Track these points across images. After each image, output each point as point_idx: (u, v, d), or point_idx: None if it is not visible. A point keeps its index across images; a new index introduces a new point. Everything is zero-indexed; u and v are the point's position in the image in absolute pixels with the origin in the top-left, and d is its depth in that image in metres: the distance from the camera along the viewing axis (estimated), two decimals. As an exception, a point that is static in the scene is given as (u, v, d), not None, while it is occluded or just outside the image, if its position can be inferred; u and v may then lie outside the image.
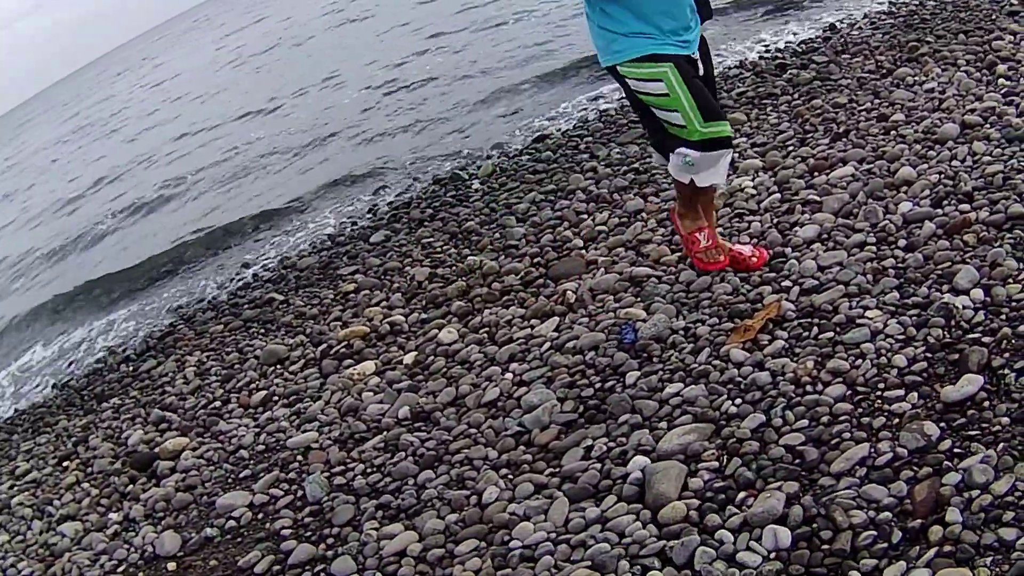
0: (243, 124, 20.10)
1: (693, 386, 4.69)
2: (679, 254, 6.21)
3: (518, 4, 20.04)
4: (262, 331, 7.90)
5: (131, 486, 6.15)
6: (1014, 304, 4.28)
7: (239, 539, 5.06)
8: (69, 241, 16.67)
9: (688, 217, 5.27)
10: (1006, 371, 3.87)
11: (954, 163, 6.00)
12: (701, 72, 4.79)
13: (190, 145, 20.14)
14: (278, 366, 7.03)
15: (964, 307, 4.39)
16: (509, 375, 5.51)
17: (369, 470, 5.15)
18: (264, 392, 6.67)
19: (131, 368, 8.46)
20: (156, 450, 6.37)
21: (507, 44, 16.74)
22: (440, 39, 20.73)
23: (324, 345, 6.99)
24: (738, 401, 4.46)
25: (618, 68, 4.71)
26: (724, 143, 4.83)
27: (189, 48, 57.53)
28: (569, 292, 6.20)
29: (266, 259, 10.42)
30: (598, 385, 5.04)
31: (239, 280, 9.93)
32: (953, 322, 4.34)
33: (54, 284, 13.95)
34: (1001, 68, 7.41)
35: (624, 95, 5.13)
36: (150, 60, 66.28)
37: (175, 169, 18.63)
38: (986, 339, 4.13)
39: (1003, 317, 4.23)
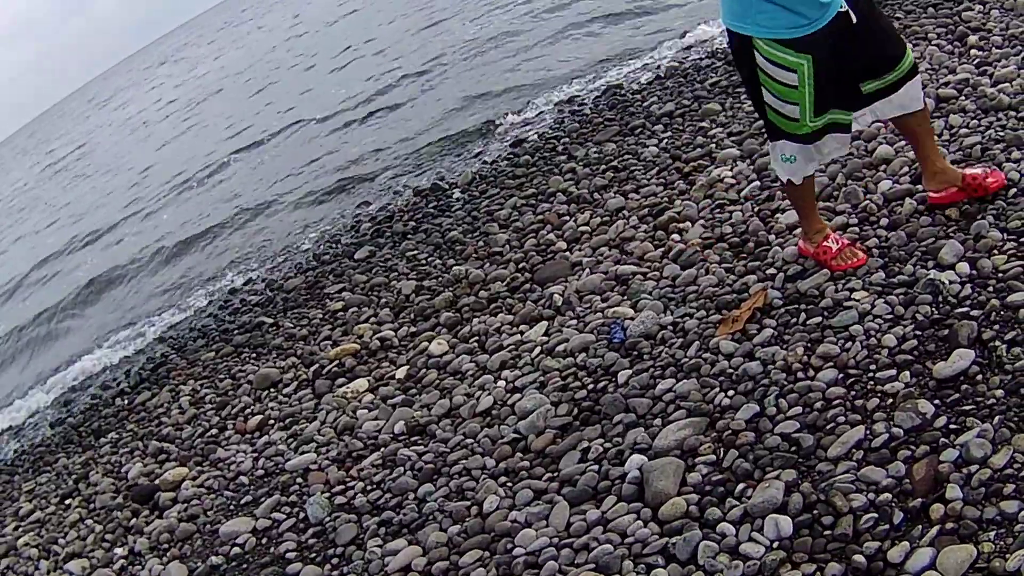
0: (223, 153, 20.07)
1: (685, 381, 4.69)
2: (662, 250, 6.22)
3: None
4: (254, 355, 7.88)
5: (134, 519, 6.15)
6: (1000, 275, 4.29)
7: (245, 565, 5.05)
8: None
9: (807, 227, 5.14)
10: (997, 343, 3.87)
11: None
12: (854, 20, 4.32)
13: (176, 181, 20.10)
14: (272, 389, 7.03)
15: (951, 282, 4.39)
16: (502, 383, 5.52)
17: (369, 487, 5.15)
18: (260, 416, 6.66)
19: (126, 401, 8.44)
20: (156, 482, 6.36)
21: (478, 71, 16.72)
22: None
23: (316, 365, 6.98)
24: (731, 392, 4.46)
25: (755, 41, 4.36)
26: (820, 134, 4.68)
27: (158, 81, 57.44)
28: (556, 296, 6.20)
29: (252, 283, 10.39)
30: (591, 386, 5.04)
31: (228, 306, 9.90)
32: (941, 298, 4.34)
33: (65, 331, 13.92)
34: (972, 39, 7.41)
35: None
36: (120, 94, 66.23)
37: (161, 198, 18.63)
38: (975, 312, 4.14)
39: (990, 289, 4.23)
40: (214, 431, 6.85)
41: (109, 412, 8.44)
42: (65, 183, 29.53)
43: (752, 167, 6.86)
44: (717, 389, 4.53)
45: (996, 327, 3.98)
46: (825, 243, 5.02)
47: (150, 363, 9.28)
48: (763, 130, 7.29)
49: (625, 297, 5.82)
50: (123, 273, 14.38)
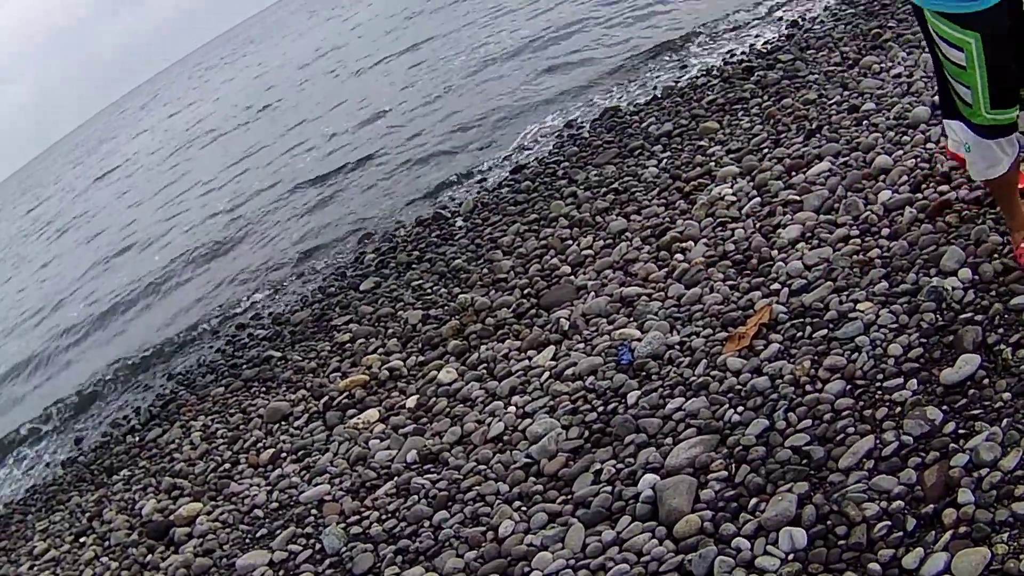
0: (207, 196, 20.18)
1: (694, 399, 4.76)
2: (666, 270, 6.29)
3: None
4: (263, 389, 7.94)
5: (150, 556, 6.19)
6: (1002, 279, 4.35)
7: None
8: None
9: (1011, 220, 4.53)
10: (1002, 347, 3.93)
11: (929, 145, 6.09)
12: None
13: (177, 222, 20.16)
14: (283, 422, 7.08)
15: (953, 288, 4.45)
16: (512, 408, 5.58)
17: (384, 516, 5.20)
18: (272, 450, 6.71)
19: (137, 439, 8.49)
20: (171, 517, 6.40)
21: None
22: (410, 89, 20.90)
23: (326, 397, 7.03)
24: (740, 409, 4.52)
25: (925, 12, 4.03)
26: (1004, 130, 4.19)
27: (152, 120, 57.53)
28: (563, 320, 6.26)
29: (259, 318, 10.44)
30: (600, 409, 5.10)
31: (235, 341, 9.95)
32: (944, 304, 4.40)
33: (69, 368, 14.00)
34: (966, 43, 7.50)
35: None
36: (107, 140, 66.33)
37: (167, 237, 18.71)
38: (979, 317, 4.20)
39: (993, 293, 4.30)
40: (227, 465, 6.89)
41: (120, 449, 8.48)
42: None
43: (752, 184, 6.94)
44: (726, 406, 4.59)
45: (1000, 331, 4.05)
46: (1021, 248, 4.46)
47: (160, 400, 9.34)
48: (760, 145, 7.45)
49: (631, 319, 5.88)
50: (122, 308, 14.47)
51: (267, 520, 5.83)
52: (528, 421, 5.33)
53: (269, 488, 6.20)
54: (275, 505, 5.95)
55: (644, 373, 5.22)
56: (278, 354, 8.56)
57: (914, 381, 4.06)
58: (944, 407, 3.82)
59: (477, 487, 5.00)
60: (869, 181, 6.05)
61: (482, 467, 5.17)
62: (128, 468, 7.90)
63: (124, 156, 42.86)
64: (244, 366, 8.79)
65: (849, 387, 4.25)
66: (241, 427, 7.39)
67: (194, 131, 33.42)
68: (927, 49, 4.49)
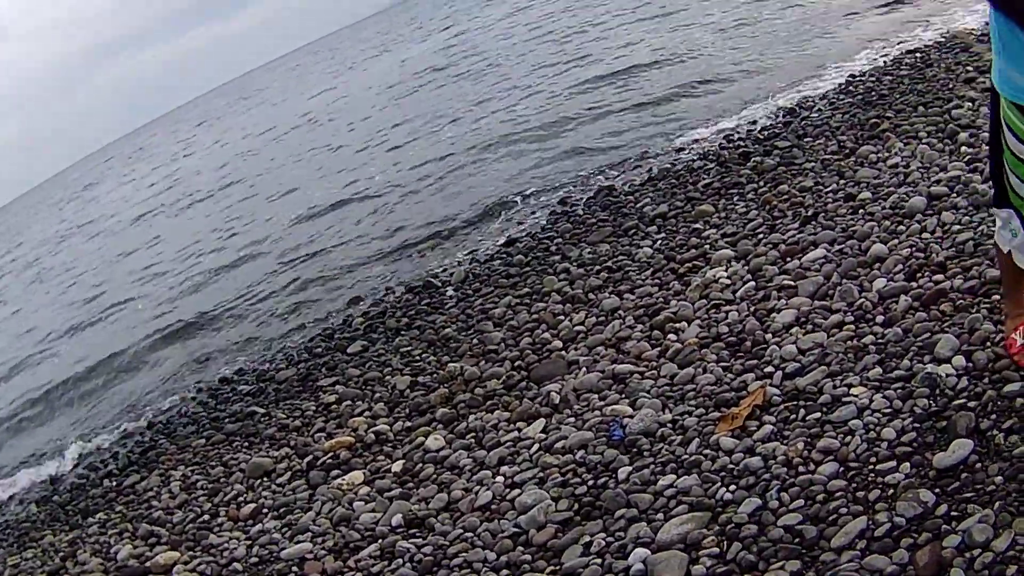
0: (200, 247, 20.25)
1: (686, 476, 4.82)
2: (659, 349, 6.38)
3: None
4: (246, 444, 7.93)
5: (123, 601, 6.17)
6: (996, 366, 4.47)
7: None
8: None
9: (1010, 306, 4.68)
10: (995, 432, 4.05)
11: (924, 235, 6.28)
12: None
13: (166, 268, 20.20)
14: (265, 479, 7.07)
15: (947, 375, 4.58)
16: (500, 478, 5.62)
17: None
18: (253, 505, 6.70)
19: (115, 483, 8.41)
20: (147, 564, 6.36)
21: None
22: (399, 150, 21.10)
23: (310, 456, 7.05)
24: (732, 487, 4.58)
25: (1001, 98, 3.97)
26: None
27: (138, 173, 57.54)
28: (553, 394, 6.34)
29: (243, 373, 10.44)
30: (591, 482, 5.15)
31: (218, 395, 9.94)
32: (938, 391, 4.52)
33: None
34: (963, 136, 7.76)
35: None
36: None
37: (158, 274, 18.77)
38: (972, 403, 4.31)
39: (986, 380, 4.42)
40: (206, 517, 6.86)
41: (97, 493, 8.41)
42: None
43: (747, 267, 7.08)
44: (719, 484, 4.65)
45: (993, 417, 4.16)
46: (1015, 334, 4.59)
47: (139, 447, 9.27)
48: (755, 230, 7.59)
49: (623, 396, 5.96)
50: (110, 360, 14.45)
51: (246, 574, 5.83)
52: (517, 491, 5.37)
53: (249, 543, 6.18)
54: (255, 560, 5.92)
55: (635, 449, 5.28)
56: (262, 410, 8.56)
57: (907, 464, 4.15)
58: (937, 490, 3.91)
59: (464, 554, 5.01)
60: (864, 269, 6.20)
61: (469, 534, 5.18)
62: (104, 512, 7.84)
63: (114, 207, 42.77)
64: (226, 420, 8.78)
65: (842, 469, 4.34)
66: (222, 480, 7.37)
67: (198, 185, 33.46)
68: (987, 130, 4.59)
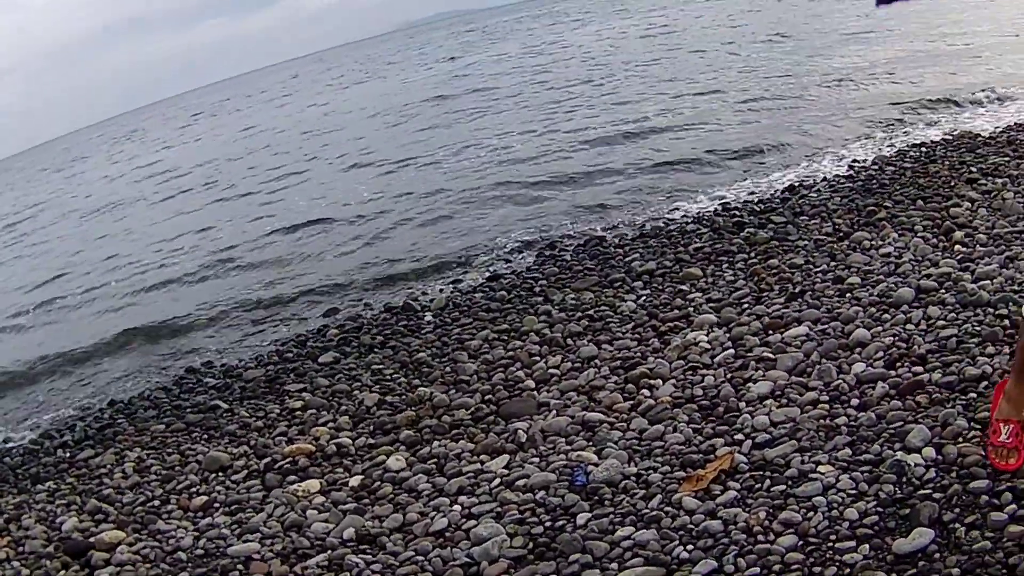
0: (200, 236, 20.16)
1: (645, 530, 4.87)
2: (631, 403, 6.45)
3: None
4: (205, 436, 7.91)
5: (63, 572, 6.10)
6: (964, 462, 4.57)
7: None
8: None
9: (1010, 400, 4.68)
10: (957, 525, 4.13)
11: (908, 326, 6.40)
12: None
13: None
14: (220, 473, 7.05)
15: (916, 464, 4.67)
16: (458, 507, 5.64)
17: None
18: (205, 497, 6.68)
19: (68, 455, 8.32)
20: (91, 539, 6.32)
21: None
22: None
23: (268, 459, 7.05)
24: (690, 547, 4.64)
25: None
26: None
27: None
28: (520, 432, 6.39)
29: (211, 366, 10.39)
30: (548, 523, 5.19)
31: (183, 384, 9.89)
32: (905, 479, 4.61)
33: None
34: (958, 234, 7.92)
35: None
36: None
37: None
38: (937, 495, 4.41)
39: (954, 474, 4.52)
40: (156, 502, 6.82)
41: (49, 461, 8.29)
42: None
43: (728, 335, 7.17)
44: (677, 542, 4.70)
45: (957, 510, 4.25)
46: (1001, 425, 4.62)
47: (97, 423, 9.18)
48: (740, 300, 7.68)
49: (590, 443, 6.01)
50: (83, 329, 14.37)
51: (190, 565, 5.78)
52: (473, 522, 5.39)
53: (197, 534, 6.15)
54: (200, 552, 5.90)
55: (597, 497, 5.33)
56: (225, 405, 8.56)
57: (867, 546, 4.22)
58: (893, 575, 3.98)
59: (413, 576, 5.07)
60: (845, 352, 6.31)
61: (420, 558, 5.20)
62: (55, 481, 7.76)
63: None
64: (188, 410, 8.76)
65: (801, 543, 4.41)
66: (177, 468, 7.33)
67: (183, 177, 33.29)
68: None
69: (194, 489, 6.88)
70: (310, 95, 58.90)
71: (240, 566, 5.58)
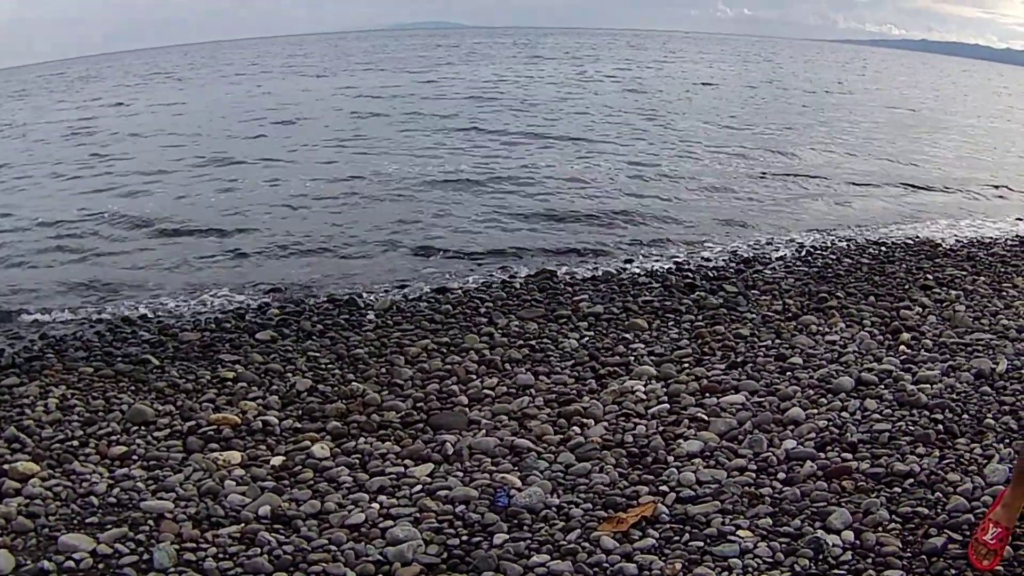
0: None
1: (560, 561, 4.99)
2: (561, 437, 6.58)
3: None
4: (132, 388, 7.89)
5: (-29, 493, 6.08)
6: (882, 551, 4.77)
7: None
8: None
9: (1006, 506, 4.90)
10: (865, 610, 4.30)
11: (844, 414, 6.61)
12: None
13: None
14: (143, 427, 7.03)
15: (834, 544, 4.86)
16: (376, 505, 5.72)
17: (221, 556, 5.24)
18: (125, 448, 6.66)
19: None
20: (4, 467, 6.30)
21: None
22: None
23: (193, 422, 7.07)
24: (603, 585, 4.78)
25: None
26: None
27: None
28: (448, 444, 6.50)
29: (147, 320, 10.33)
30: (465, 537, 5.29)
31: (117, 332, 9.81)
32: (821, 556, 4.79)
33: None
34: (905, 336, 8.18)
35: None
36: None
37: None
38: (850, 577, 4.58)
39: (870, 560, 4.71)
40: (75, 443, 6.78)
41: None
42: None
43: (665, 390, 7.35)
44: (590, 577, 4.84)
45: (869, 595, 4.42)
46: (991, 525, 4.85)
47: (26, 352, 9.12)
48: (682, 359, 7.87)
49: (516, 468, 6.13)
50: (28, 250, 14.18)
51: (101, 511, 5.76)
52: (390, 523, 5.47)
53: (111, 482, 6.13)
54: (113, 501, 5.88)
55: (516, 521, 5.44)
56: (156, 362, 8.54)
57: (775, 614, 4.39)
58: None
59: (324, 564, 5.10)
60: (778, 427, 6.52)
61: (333, 548, 5.26)
62: (-28, 400, 7.73)
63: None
64: (119, 359, 8.73)
65: (712, 601, 4.57)
66: (100, 413, 7.29)
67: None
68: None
69: (115, 438, 6.86)
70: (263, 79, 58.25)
71: (151, 522, 5.59)
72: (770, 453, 6.07)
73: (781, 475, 5.78)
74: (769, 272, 11.11)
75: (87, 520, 5.63)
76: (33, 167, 23.07)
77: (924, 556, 4.78)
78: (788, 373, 7.56)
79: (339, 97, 40.07)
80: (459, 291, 10.84)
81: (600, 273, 11.60)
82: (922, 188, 19.19)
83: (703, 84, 49.05)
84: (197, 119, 33.14)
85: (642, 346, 8.50)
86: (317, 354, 8.61)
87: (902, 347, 8.02)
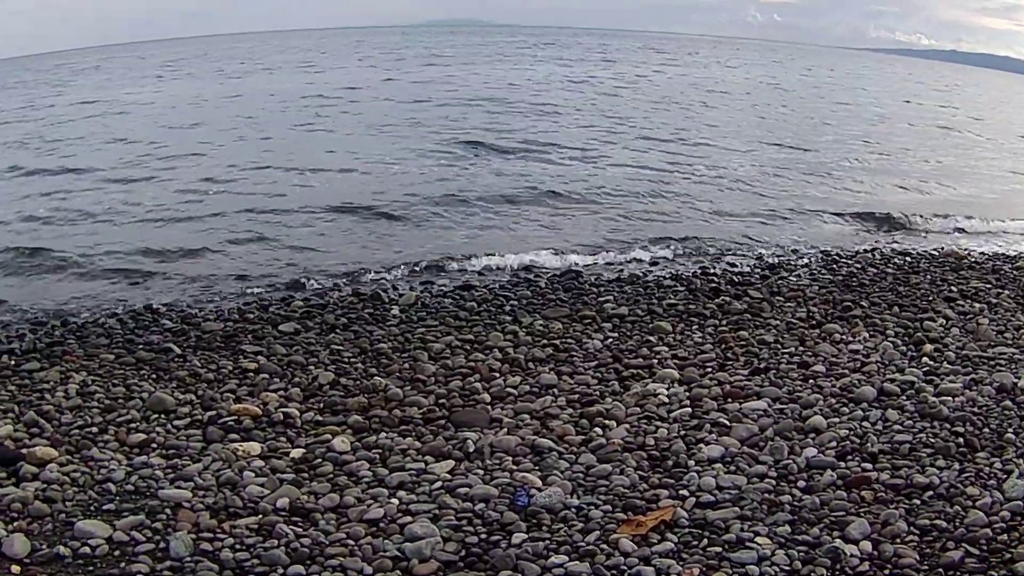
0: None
1: (578, 562, 5.00)
2: (583, 438, 6.59)
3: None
4: (153, 376, 7.96)
5: (-9, 476, 6.11)
6: (899, 562, 4.78)
7: (91, 568, 5.05)
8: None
9: None
10: (882, 620, 4.30)
11: (865, 424, 6.59)
12: None
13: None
14: (163, 416, 7.08)
15: (851, 555, 4.86)
16: (396, 501, 5.74)
17: (238, 547, 5.26)
18: (144, 436, 6.71)
19: (12, 363, 8.25)
20: (23, 451, 6.31)
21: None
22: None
23: (214, 412, 7.12)
24: (620, 588, 4.79)
25: None
26: None
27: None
28: (470, 442, 6.51)
29: (172, 308, 10.35)
30: (484, 536, 5.31)
31: (140, 320, 9.84)
32: (839, 566, 4.79)
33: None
34: (928, 348, 8.16)
35: None
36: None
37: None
38: (867, 588, 4.58)
39: (887, 572, 4.71)
40: (94, 429, 6.84)
41: None
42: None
43: (688, 394, 7.34)
44: (608, 579, 4.85)
45: (886, 605, 4.42)
46: None
47: (47, 337, 9.15)
48: (705, 363, 7.86)
49: (537, 467, 6.14)
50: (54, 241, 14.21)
51: (118, 498, 5.81)
52: (409, 519, 5.48)
53: (130, 470, 6.17)
54: (131, 488, 5.93)
55: (535, 521, 5.45)
56: (178, 350, 8.61)
57: (793, 621, 4.39)
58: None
59: (341, 558, 5.11)
60: (799, 434, 6.51)
61: (351, 542, 5.28)
62: (-5, 385, 7.78)
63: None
64: (140, 346, 8.80)
65: (729, 606, 4.57)
66: (120, 400, 7.35)
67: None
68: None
69: (134, 425, 6.90)
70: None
71: (168, 510, 5.61)
72: (791, 461, 6.06)
73: (801, 483, 5.78)
74: (794, 279, 11.11)
75: (104, 507, 5.67)
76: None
77: (941, 569, 4.77)
78: (811, 381, 7.55)
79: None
80: (485, 289, 10.87)
81: (625, 275, 11.62)
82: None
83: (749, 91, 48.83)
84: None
85: (666, 349, 8.50)
86: (340, 347, 8.65)
87: (925, 358, 8.00)
